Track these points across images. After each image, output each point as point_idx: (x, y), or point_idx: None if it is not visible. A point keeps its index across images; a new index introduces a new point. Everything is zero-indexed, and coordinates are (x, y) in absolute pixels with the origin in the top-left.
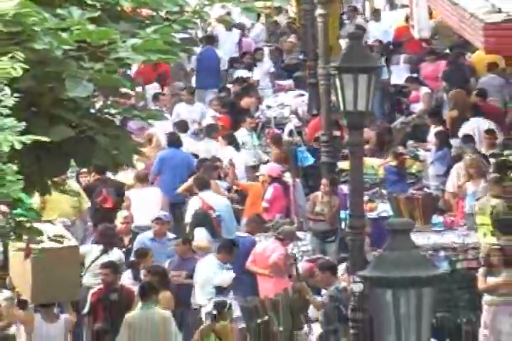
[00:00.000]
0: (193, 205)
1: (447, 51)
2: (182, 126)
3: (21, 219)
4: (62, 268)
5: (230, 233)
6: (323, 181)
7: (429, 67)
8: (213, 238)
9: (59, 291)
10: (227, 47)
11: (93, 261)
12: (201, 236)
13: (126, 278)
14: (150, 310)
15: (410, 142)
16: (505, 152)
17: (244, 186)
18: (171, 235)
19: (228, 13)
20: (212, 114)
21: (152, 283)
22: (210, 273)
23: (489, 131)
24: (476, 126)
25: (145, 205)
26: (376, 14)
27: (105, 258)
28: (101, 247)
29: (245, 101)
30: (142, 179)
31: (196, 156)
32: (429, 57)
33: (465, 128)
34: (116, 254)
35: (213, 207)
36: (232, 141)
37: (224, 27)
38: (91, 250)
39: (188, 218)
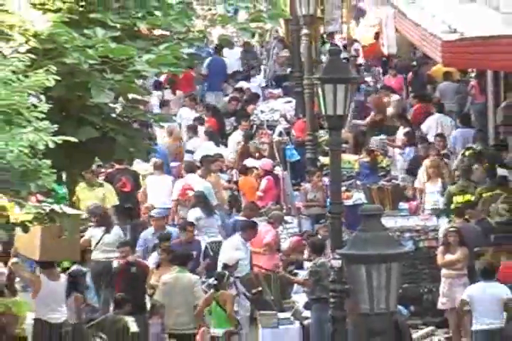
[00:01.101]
0: (177, 186)
1: (414, 63)
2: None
3: (54, 206)
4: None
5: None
6: (317, 173)
7: (391, 80)
8: (207, 216)
9: (61, 252)
10: (230, 63)
11: (99, 241)
12: (191, 216)
13: (154, 257)
14: (183, 274)
15: (381, 137)
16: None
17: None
18: (170, 228)
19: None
20: (196, 115)
21: (190, 255)
22: (234, 250)
23: (439, 135)
24: (439, 121)
25: (160, 189)
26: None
27: (108, 237)
28: (103, 228)
29: (250, 108)
30: (159, 167)
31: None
32: (391, 71)
33: (429, 122)
34: (116, 232)
35: (193, 188)
36: (212, 138)
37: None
38: (95, 233)
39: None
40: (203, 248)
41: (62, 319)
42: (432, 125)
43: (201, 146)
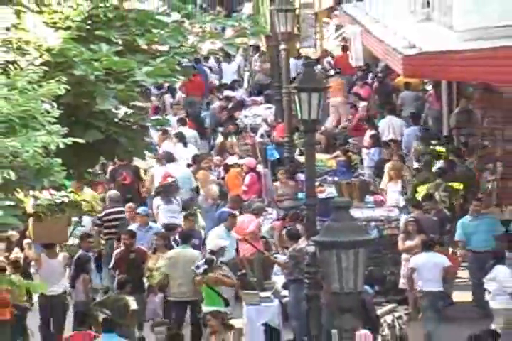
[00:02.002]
0: (159, 173)
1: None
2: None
3: (64, 198)
4: (55, 219)
5: (187, 194)
6: (280, 171)
7: (359, 90)
8: (166, 203)
9: (52, 235)
10: (227, 75)
11: (73, 229)
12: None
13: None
14: (185, 249)
15: (351, 140)
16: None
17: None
18: (153, 224)
19: (219, 49)
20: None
21: (192, 234)
22: (218, 239)
23: (392, 141)
24: (390, 122)
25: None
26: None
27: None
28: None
29: (236, 114)
30: (161, 160)
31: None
32: (360, 83)
33: (382, 124)
34: (87, 221)
35: (172, 175)
36: (181, 139)
37: (224, 60)
38: None
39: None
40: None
41: (60, 291)
42: (384, 126)
43: (171, 148)
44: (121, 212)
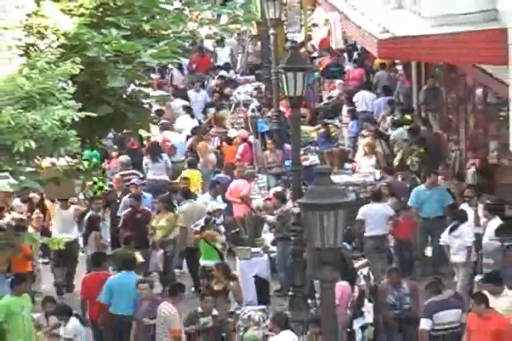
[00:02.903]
0: (158, 139)
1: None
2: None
3: (79, 165)
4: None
5: (181, 156)
6: (269, 141)
7: (354, 71)
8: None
9: (61, 192)
10: (221, 58)
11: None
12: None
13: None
14: (193, 203)
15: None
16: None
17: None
18: (146, 195)
19: (215, 33)
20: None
21: (191, 192)
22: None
23: (368, 120)
24: (363, 95)
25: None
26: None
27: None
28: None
29: (226, 90)
30: (166, 127)
31: None
32: (354, 65)
33: (355, 97)
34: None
35: (170, 140)
36: (188, 112)
37: (218, 44)
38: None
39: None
40: None
41: (72, 237)
42: (358, 98)
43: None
44: (132, 174)
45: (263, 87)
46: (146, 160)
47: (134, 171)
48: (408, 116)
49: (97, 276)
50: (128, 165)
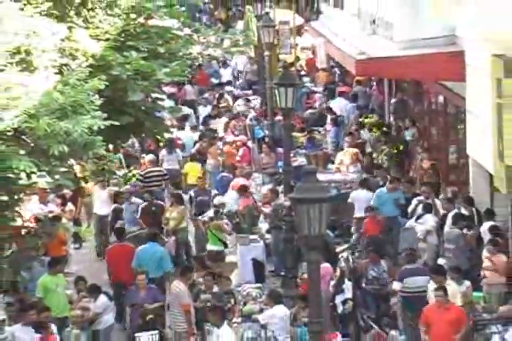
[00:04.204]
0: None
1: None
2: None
3: (105, 166)
4: None
5: (190, 151)
6: (264, 146)
7: (343, 88)
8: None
9: None
10: (224, 77)
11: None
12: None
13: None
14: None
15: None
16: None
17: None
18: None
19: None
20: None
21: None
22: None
23: (350, 134)
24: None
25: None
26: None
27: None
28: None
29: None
30: (182, 120)
31: None
32: (341, 83)
33: (332, 105)
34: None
35: (181, 138)
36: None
37: (222, 65)
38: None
39: None
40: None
41: (106, 212)
42: (335, 105)
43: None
44: (159, 171)
45: (259, 99)
46: (162, 152)
47: (159, 168)
48: (373, 118)
49: (118, 247)
50: (155, 163)
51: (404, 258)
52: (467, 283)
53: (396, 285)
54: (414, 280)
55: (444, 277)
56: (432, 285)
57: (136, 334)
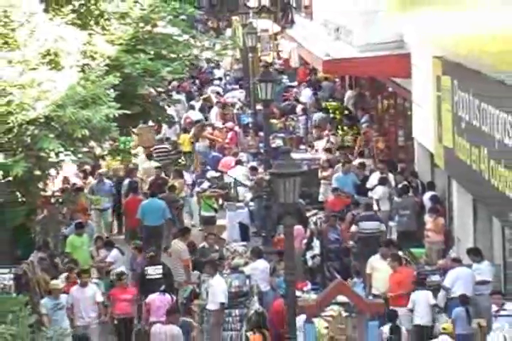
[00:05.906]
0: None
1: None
2: None
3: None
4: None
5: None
6: (250, 131)
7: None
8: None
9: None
10: (217, 74)
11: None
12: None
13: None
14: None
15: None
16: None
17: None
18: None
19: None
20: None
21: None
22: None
23: (317, 126)
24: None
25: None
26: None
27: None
28: None
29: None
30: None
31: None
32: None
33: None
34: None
35: (191, 117)
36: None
37: (215, 66)
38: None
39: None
40: None
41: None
42: (304, 95)
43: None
44: (164, 148)
45: (244, 92)
46: (164, 127)
47: (165, 145)
48: (332, 103)
49: (133, 199)
50: (162, 141)
51: (363, 207)
52: (486, 262)
53: (353, 228)
54: (368, 224)
55: (396, 249)
56: (439, 325)
57: (145, 268)
